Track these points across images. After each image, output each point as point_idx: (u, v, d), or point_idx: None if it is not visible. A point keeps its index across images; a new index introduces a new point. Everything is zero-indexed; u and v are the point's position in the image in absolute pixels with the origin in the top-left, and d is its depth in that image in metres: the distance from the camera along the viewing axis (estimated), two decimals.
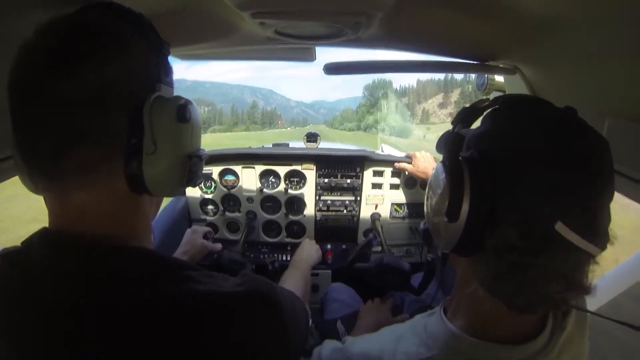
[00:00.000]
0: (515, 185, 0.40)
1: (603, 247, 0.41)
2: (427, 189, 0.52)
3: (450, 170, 0.44)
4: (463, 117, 0.47)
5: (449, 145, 0.45)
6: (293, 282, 0.94)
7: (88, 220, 0.42)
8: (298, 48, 1.05)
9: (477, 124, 0.50)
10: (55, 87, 0.37)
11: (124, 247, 0.43)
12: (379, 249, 1.52)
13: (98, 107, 0.38)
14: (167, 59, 0.48)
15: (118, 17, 0.43)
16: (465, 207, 0.42)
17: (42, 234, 0.43)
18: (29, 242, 0.43)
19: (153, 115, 0.41)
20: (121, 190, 0.42)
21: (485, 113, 0.48)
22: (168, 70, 0.47)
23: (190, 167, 0.47)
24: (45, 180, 0.41)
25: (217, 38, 0.90)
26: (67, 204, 0.41)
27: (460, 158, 0.44)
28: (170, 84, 0.47)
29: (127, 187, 0.42)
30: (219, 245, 1.25)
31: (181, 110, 0.44)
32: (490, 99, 0.49)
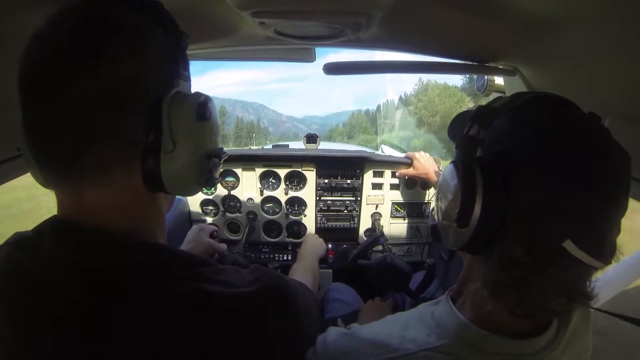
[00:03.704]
0: (526, 196, 0.39)
1: (609, 262, 0.40)
2: (437, 188, 0.51)
3: (463, 176, 0.42)
4: (479, 118, 0.45)
5: (462, 147, 0.44)
6: (302, 273, 0.94)
7: (101, 214, 0.41)
8: (298, 48, 1.05)
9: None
10: (70, 85, 0.35)
11: (137, 241, 0.42)
12: (379, 248, 1.52)
13: (115, 105, 0.37)
14: (185, 52, 0.46)
15: (134, 7, 0.40)
16: (475, 213, 0.41)
17: (54, 223, 0.42)
18: (40, 230, 0.42)
19: (172, 113, 0.40)
20: (137, 188, 0.41)
21: (504, 109, 0.46)
22: (186, 64, 0.45)
23: (209, 167, 0.45)
24: (58, 178, 0.40)
25: (216, 38, 0.90)
26: (80, 200, 0.40)
27: (476, 155, 0.43)
28: (188, 78, 0.45)
29: (143, 184, 0.41)
30: (224, 246, 1.24)
31: (201, 108, 0.42)
32: (510, 97, 0.46)
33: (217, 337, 0.41)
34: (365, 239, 1.60)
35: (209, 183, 0.47)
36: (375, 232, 1.50)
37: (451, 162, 0.47)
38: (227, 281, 0.44)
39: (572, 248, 0.37)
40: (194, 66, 0.48)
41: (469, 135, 0.45)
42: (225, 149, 0.49)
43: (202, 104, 0.42)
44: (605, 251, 0.39)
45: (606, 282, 1.23)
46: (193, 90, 0.46)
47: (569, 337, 0.49)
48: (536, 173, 0.39)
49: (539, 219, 0.39)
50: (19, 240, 0.43)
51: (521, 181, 0.39)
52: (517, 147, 0.41)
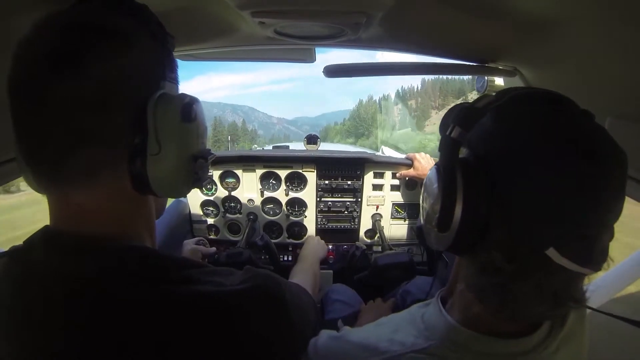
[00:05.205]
0: (508, 200, 0.37)
1: (599, 269, 0.38)
2: (422, 190, 0.50)
3: (443, 181, 0.41)
4: (460, 119, 0.42)
5: (443, 150, 0.43)
6: (302, 276, 0.94)
7: (90, 219, 0.41)
8: (298, 49, 1.05)
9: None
10: (57, 89, 0.36)
11: (126, 246, 0.42)
12: (379, 248, 1.51)
13: (101, 107, 0.37)
14: (172, 54, 0.47)
15: (119, 11, 0.41)
16: (456, 218, 0.39)
17: (44, 233, 0.42)
18: (31, 241, 0.42)
19: (157, 115, 0.40)
20: (125, 190, 0.42)
21: (488, 108, 0.43)
22: (173, 66, 0.46)
23: (196, 169, 0.45)
24: (49, 182, 0.40)
25: (216, 38, 0.91)
26: (69, 204, 0.41)
27: (457, 158, 0.42)
28: (175, 80, 0.46)
29: (131, 187, 0.42)
30: (212, 249, 1.26)
31: (186, 109, 0.42)
32: (495, 95, 0.44)
33: (211, 336, 0.41)
34: (366, 240, 1.60)
35: (196, 184, 0.47)
36: (355, 244, 1.51)
37: (434, 165, 0.46)
38: (217, 281, 0.45)
39: (556, 256, 0.35)
40: (182, 70, 0.48)
41: (451, 137, 0.42)
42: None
43: (187, 105, 0.42)
44: (593, 258, 0.37)
45: (602, 285, 1.22)
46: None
47: (563, 337, 0.48)
48: (519, 174, 0.37)
49: (521, 225, 0.37)
50: (14, 253, 0.44)
51: (504, 183, 0.38)
52: (501, 148, 0.39)
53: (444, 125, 0.47)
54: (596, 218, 0.36)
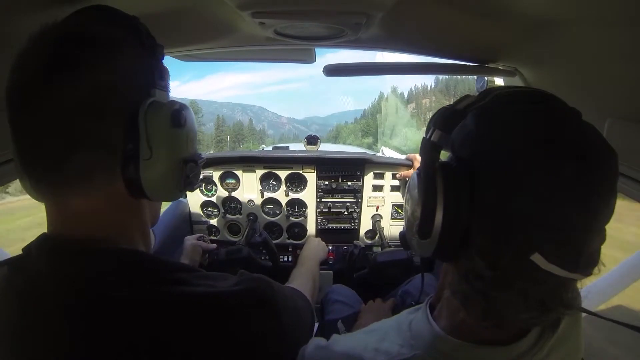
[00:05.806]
0: (490, 204, 0.36)
1: (589, 273, 0.37)
2: (405, 195, 0.49)
3: (423, 186, 0.39)
4: (440, 122, 0.40)
5: (423, 154, 0.41)
6: (301, 279, 0.94)
7: (85, 224, 0.42)
8: (298, 49, 1.05)
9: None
10: (51, 97, 0.37)
11: (121, 249, 0.43)
12: (379, 249, 1.52)
13: (94, 114, 0.39)
14: (162, 62, 0.48)
15: (111, 22, 0.43)
16: (437, 224, 0.38)
17: (41, 240, 0.43)
18: (29, 248, 0.43)
19: (148, 121, 0.42)
20: (120, 195, 0.43)
21: (470, 109, 0.41)
22: (163, 74, 0.48)
23: (187, 172, 0.47)
24: (46, 188, 0.41)
25: (216, 38, 0.91)
26: (65, 209, 0.42)
27: (438, 163, 0.40)
28: (165, 88, 0.47)
29: (125, 191, 0.43)
30: (213, 245, 1.26)
31: (176, 115, 0.44)
32: (476, 96, 0.42)
33: (203, 336, 0.42)
34: (366, 240, 1.60)
35: (188, 188, 0.49)
36: (354, 243, 1.51)
37: (415, 170, 0.44)
38: (209, 284, 0.46)
39: (542, 262, 0.34)
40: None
41: (431, 140, 0.41)
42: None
43: (176, 111, 0.44)
44: (581, 263, 0.35)
45: (598, 287, 1.21)
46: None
47: (555, 341, 0.46)
48: (504, 177, 0.35)
49: (505, 229, 0.35)
50: (13, 261, 0.44)
51: (485, 187, 0.36)
52: (482, 150, 0.38)
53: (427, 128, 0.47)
54: (585, 221, 0.35)
